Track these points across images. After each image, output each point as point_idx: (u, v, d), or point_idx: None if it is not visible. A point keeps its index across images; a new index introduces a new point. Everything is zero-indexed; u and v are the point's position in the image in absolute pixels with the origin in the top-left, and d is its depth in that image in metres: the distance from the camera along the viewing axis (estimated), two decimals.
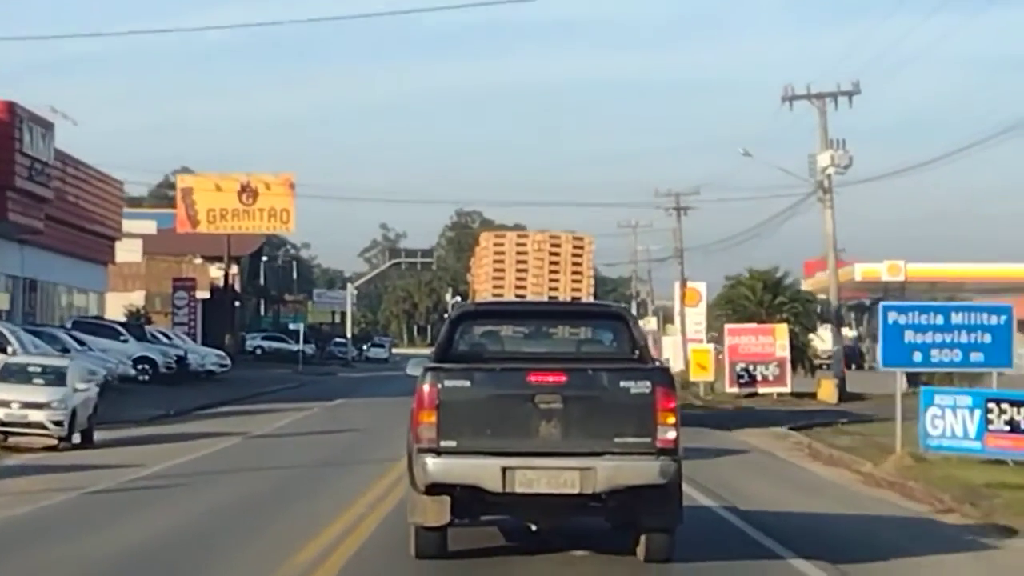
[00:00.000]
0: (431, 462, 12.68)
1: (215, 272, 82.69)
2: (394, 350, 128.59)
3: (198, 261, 79.55)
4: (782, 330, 48.02)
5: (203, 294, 77.08)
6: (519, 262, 26.80)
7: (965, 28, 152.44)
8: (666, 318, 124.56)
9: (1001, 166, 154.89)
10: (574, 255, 27.03)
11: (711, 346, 50.33)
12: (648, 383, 12.71)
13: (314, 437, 30.65)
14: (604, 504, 13.10)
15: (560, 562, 14.01)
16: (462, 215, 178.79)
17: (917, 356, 24.90)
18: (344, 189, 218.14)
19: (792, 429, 34.74)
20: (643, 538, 13.38)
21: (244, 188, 79.49)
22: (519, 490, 12.63)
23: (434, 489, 12.86)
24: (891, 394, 51.51)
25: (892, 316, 24.89)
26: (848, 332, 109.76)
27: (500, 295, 25.95)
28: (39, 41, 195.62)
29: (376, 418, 37.51)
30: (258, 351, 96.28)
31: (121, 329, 52.00)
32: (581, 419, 12.68)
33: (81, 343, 44.67)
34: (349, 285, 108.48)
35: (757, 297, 50.58)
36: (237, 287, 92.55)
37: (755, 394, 47.71)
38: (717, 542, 15.69)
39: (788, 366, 47.96)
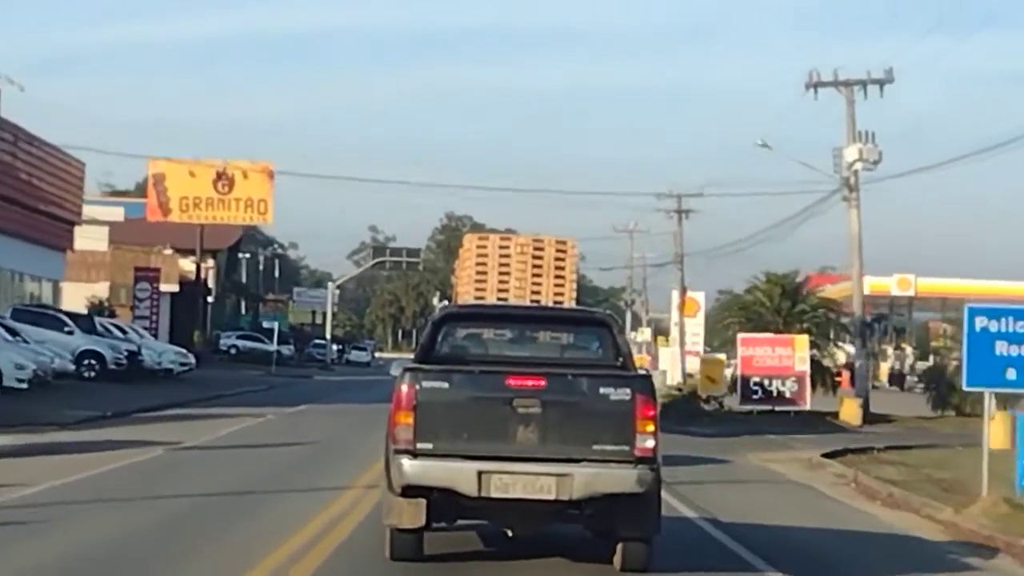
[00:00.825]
0: (407, 464, 12.46)
1: (187, 265, 77.73)
2: (378, 354, 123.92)
3: (168, 252, 74.32)
4: (802, 341, 42.94)
5: (171, 287, 72.08)
6: (502, 265, 26.44)
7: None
8: (659, 331, 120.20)
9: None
10: (557, 259, 26.65)
11: (722, 356, 44.91)
12: (628, 390, 12.53)
13: (255, 451, 25.54)
14: (581, 511, 12.91)
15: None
16: (452, 219, 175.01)
17: (1011, 373, 19.62)
18: (335, 189, 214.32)
19: (825, 456, 29.75)
20: (620, 547, 13.16)
21: (220, 176, 74.56)
22: (495, 495, 12.43)
23: (410, 491, 12.66)
24: (919, 416, 47.42)
25: (980, 322, 19.55)
26: (850, 349, 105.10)
27: (482, 298, 25.59)
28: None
29: (339, 429, 32.54)
30: (232, 350, 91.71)
31: (67, 319, 46.90)
32: (559, 425, 12.49)
33: (14, 333, 39.70)
34: (330, 284, 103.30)
35: (774, 304, 45.49)
36: (211, 282, 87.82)
37: (770, 411, 42.71)
38: None
39: (807, 382, 42.88)
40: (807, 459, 29.68)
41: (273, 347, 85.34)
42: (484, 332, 15.17)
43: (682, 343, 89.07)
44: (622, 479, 12.37)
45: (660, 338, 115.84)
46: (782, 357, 42.73)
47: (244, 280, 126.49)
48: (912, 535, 18.28)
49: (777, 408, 42.76)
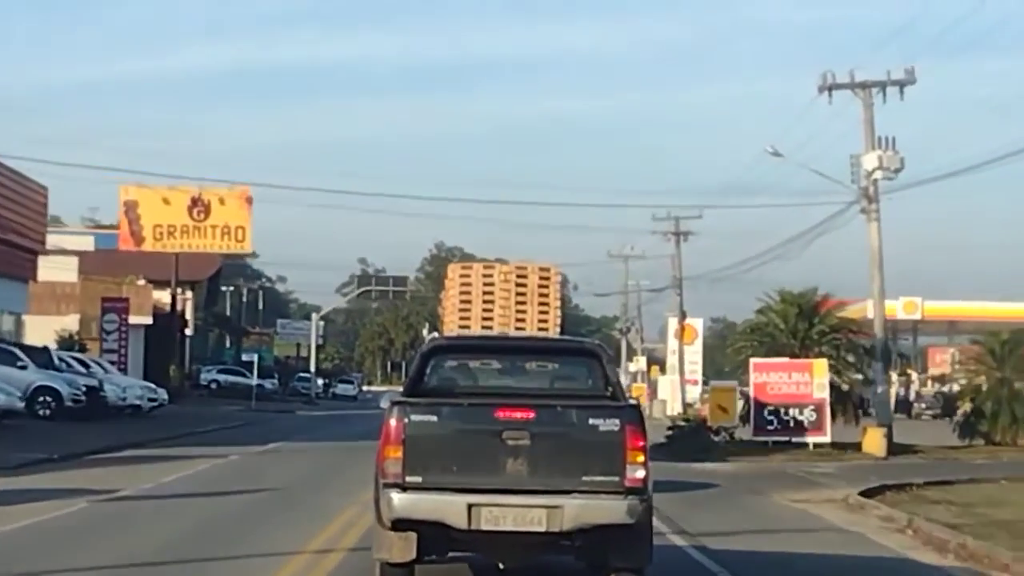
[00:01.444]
0: (396, 498, 12.25)
1: (163, 297, 74.21)
2: (366, 387, 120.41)
3: (141, 283, 70.59)
4: (821, 366, 39.24)
5: (143, 319, 68.40)
6: (486, 294, 26.44)
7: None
8: (652, 360, 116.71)
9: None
10: (540, 286, 26.66)
11: (733, 384, 40.99)
12: (617, 421, 12.34)
13: (198, 502, 21.75)
14: (572, 543, 12.71)
15: None
16: (442, 249, 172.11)
17: None
18: (325, 221, 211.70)
19: (862, 495, 26.12)
20: None
21: (195, 202, 71.26)
22: (485, 527, 12.29)
23: (400, 525, 12.48)
24: (944, 446, 43.88)
25: None
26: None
27: (467, 327, 25.74)
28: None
29: (306, 471, 28.93)
30: (213, 385, 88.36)
31: (19, 353, 43.16)
32: (549, 456, 12.30)
33: None
34: (314, 315, 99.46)
35: (789, 326, 41.72)
36: (189, 314, 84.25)
37: (787, 443, 39.05)
38: None
39: (827, 410, 39.17)
40: (842, 499, 26.04)
41: (254, 381, 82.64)
42: (473, 363, 14.96)
43: (681, 371, 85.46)
44: (612, 510, 12.26)
45: (653, 367, 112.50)
46: (799, 383, 39.05)
47: (228, 313, 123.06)
48: None
49: (794, 439, 39.11)
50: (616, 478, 12.21)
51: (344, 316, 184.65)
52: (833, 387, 39.61)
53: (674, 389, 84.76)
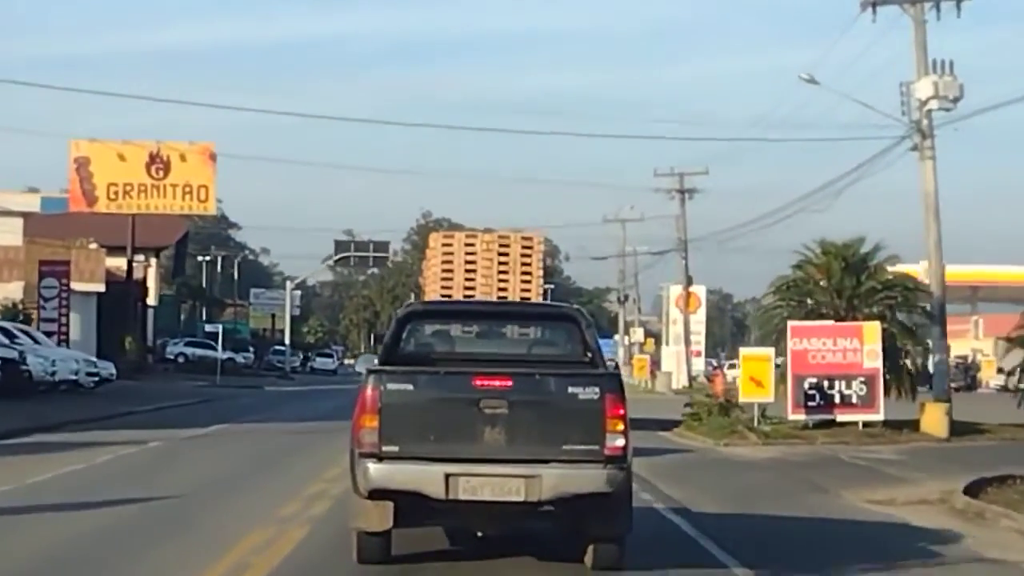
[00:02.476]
0: (372, 468, 11.99)
1: (121, 263, 68.14)
2: (349, 360, 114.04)
3: (93, 246, 64.07)
4: (872, 331, 32.69)
5: (94, 287, 61.96)
6: (468, 262, 26.34)
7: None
8: (647, 333, 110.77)
9: None
10: (523, 255, 26.62)
11: (770, 352, 34.21)
12: (597, 389, 12.12)
13: (47, 519, 15.26)
14: (551, 512, 12.39)
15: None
16: (429, 219, 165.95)
17: None
18: (310, 189, 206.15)
19: (966, 493, 19.80)
20: (591, 547, 12.74)
21: (153, 158, 64.71)
22: (463, 497, 12.00)
23: (376, 495, 12.17)
24: (1012, 424, 37.63)
25: None
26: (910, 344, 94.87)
27: (449, 295, 25.54)
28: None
29: (236, 465, 22.63)
30: (180, 359, 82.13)
31: None
32: (527, 425, 12.10)
33: None
34: (288, 283, 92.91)
35: (834, 282, 35.06)
36: (152, 282, 78.00)
37: (832, 423, 32.69)
38: None
39: (880, 383, 32.74)
40: (939, 499, 19.75)
41: (225, 355, 77.06)
42: (450, 329, 14.71)
43: (687, 341, 79.12)
44: (591, 479, 11.99)
45: (648, 340, 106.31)
46: (846, 351, 32.55)
47: (204, 284, 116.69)
48: None
49: (840, 417, 32.73)
50: (596, 447, 12.01)
51: (331, 289, 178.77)
52: (887, 355, 33.07)
53: (679, 361, 78.31)
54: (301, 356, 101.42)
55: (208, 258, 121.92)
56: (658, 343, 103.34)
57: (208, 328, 70.95)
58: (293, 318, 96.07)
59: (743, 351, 34.22)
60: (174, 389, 55.70)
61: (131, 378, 58.65)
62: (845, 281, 34.97)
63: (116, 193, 64.23)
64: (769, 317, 36.77)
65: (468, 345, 14.41)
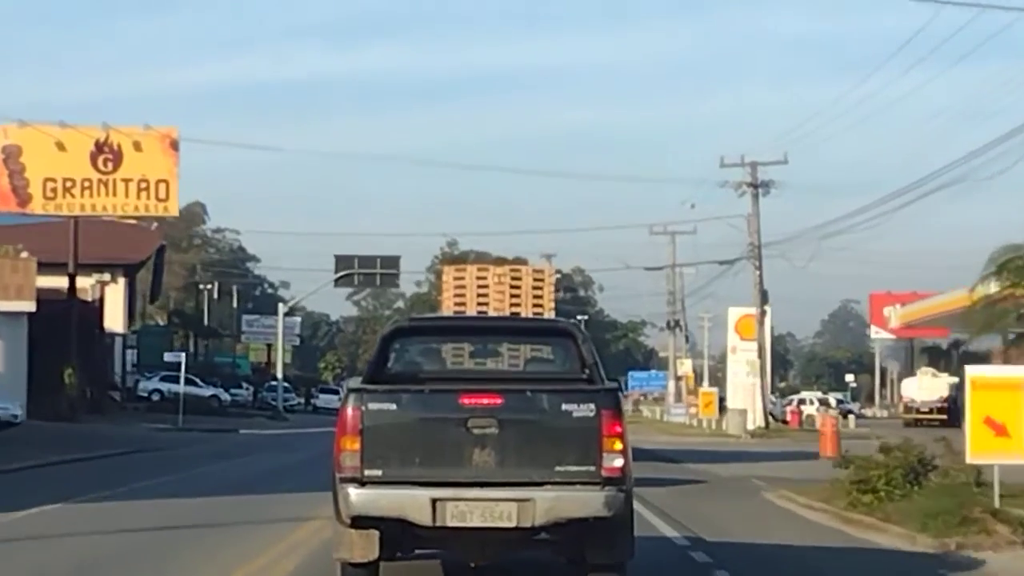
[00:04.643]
0: (354, 493, 11.66)
1: (86, 283, 55.98)
2: None
3: (24, 255, 51.34)
4: None
5: (20, 306, 49.32)
6: (480, 295, 26.42)
7: None
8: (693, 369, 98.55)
9: None
10: (535, 287, 26.79)
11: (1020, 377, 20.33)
12: (592, 405, 11.71)
13: None
14: (546, 538, 12.23)
15: None
16: (455, 248, 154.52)
17: None
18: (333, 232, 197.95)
19: None
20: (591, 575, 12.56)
21: (101, 147, 52.38)
22: (451, 523, 11.62)
23: (359, 522, 11.84)
24: None
25: None
26: (947, 377, 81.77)
27: None
28: None
29: None
30: (155, 396, 70.18)
31: None
32: (519, 445, 11.68)
33: None
34: (280, 306, 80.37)
35: None
36: (117, 304, 65.57)
37: None
38: None
39: None
40: None
41: (210, 391, 66.20)
42: (441, 347, 14.17)
43: (762, 372, 65.58)
44: (588, 502, 11.63)
45: (689, 376, 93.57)
46: None
47: (207, 315, 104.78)
48: None
49: None
50: (592, 467, 11.59)
51: (355, 324, 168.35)
52: None
53: (753, 395, 64.76)
54: (303, 392, 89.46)
55: (208, 286, 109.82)
56: (699, 380, 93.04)
57: (168, 357, 58.19)
58: (296, 348, 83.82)
59: (971, 372, 20.18)
60: (117, 433, 44.72)
61: (70, 419, 47.47)
62: None
63: (55, 191, 51.91)
64: (997, 313, 23.34)
65: (459, 363, 14.08)
